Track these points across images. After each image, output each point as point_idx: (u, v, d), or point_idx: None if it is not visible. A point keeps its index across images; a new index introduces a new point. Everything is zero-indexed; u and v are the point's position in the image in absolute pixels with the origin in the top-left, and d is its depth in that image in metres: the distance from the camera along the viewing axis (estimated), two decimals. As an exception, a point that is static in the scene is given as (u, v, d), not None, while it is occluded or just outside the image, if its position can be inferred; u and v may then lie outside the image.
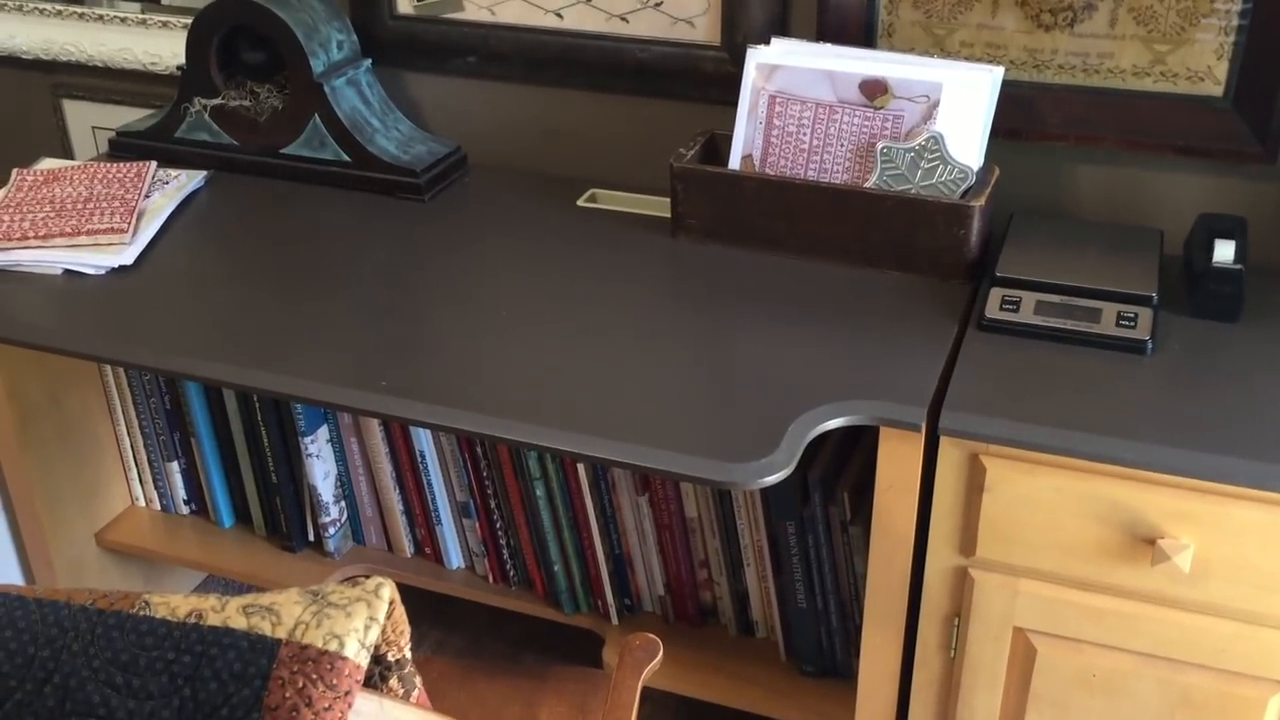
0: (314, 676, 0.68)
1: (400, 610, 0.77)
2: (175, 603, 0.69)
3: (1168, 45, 1.39)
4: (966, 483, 1.20)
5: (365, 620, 0.71)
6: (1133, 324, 1.26)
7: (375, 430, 1.63)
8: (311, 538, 1.75)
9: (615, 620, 1.62)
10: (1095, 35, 1.41)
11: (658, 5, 1.58)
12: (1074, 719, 1.26)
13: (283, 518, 1.75)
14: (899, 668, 1.32)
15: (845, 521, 1.42)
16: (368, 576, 0.77)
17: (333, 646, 0.69)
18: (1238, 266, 1.29)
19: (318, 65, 1.62)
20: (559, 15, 1.64)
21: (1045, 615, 1.22)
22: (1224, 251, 1.30)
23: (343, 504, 1.72)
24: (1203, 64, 1.39)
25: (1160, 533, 1.14)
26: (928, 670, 1.31)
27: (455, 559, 1.71)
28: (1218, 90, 1.39)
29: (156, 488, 1.82)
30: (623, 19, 1.61)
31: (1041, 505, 1.17)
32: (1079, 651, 1.23)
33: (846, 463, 1.45)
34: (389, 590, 0.74)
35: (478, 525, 1.65)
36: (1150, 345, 1.25)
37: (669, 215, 1.51)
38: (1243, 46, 1.36)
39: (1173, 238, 1.42)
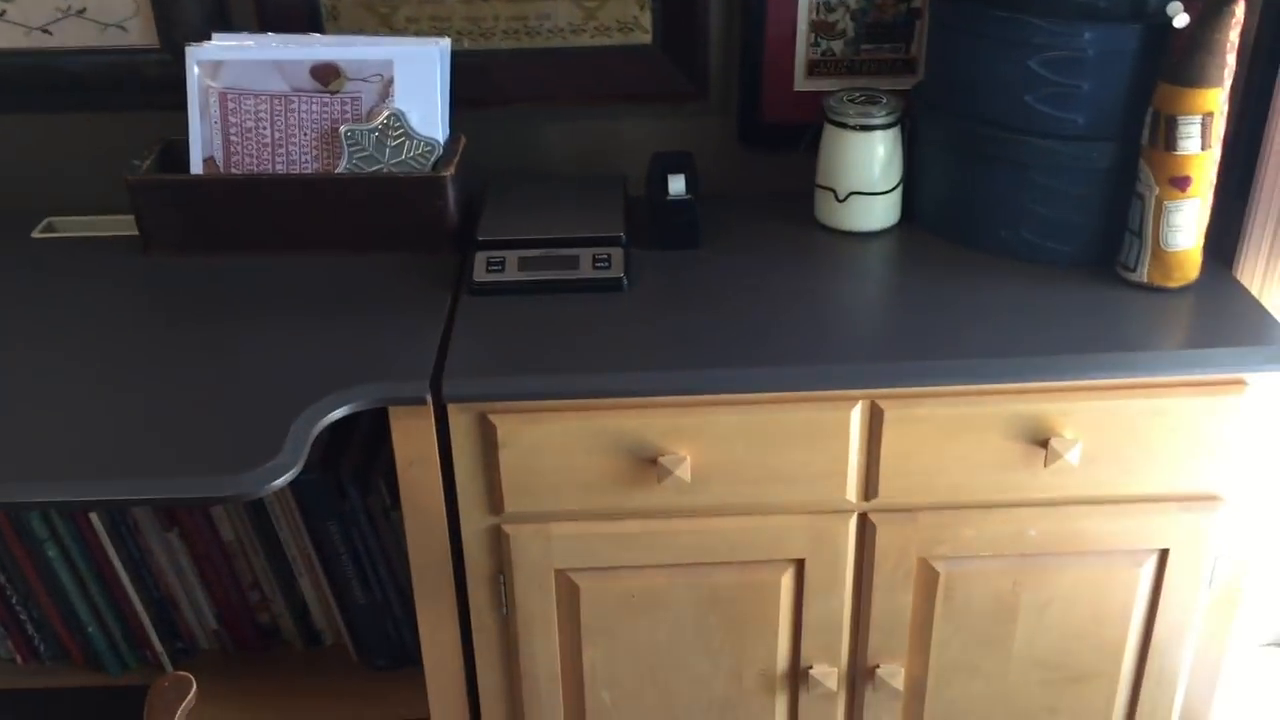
0: None
1: None
2: None
3: (595, 1, 1.48)
4: (481, 444, 1.22)
5: None
6: (607, 264, 1.34)
7: None
8: None
9: (169, 668, 1.51)
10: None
11: (81, 13, 1.46)
12: (625, 641, 1.33)
13: None
14: (459, 637, 1.33)
15: (387, 508, 1.41)
16: None
17: None
18: (689, 196, 1.40)
19: None
20: (-34, 34, 1.48)
21: (579, 552, 1.28)
22: (676, 185, 1.41)
23: None
24: (629, 15, 1.49)
25: (661, 450, 1.22)
26: (485, 632, 1.33)
27: (-28, 649, 1.53)
28: (647, 39, 1.50)
29: None
30: (44, 31, 1.47)
31: (554, 450, 1.22)
32: (616, 578, 1.30)
33: (379, 450, 1.43)
34: None
35: (-10, 606, 1.49)
36: (625, 281, 1.33)
37: (138, 233, 1.42)
38: (660, -5, 1.47)
39: (635, 180, 1.52)
